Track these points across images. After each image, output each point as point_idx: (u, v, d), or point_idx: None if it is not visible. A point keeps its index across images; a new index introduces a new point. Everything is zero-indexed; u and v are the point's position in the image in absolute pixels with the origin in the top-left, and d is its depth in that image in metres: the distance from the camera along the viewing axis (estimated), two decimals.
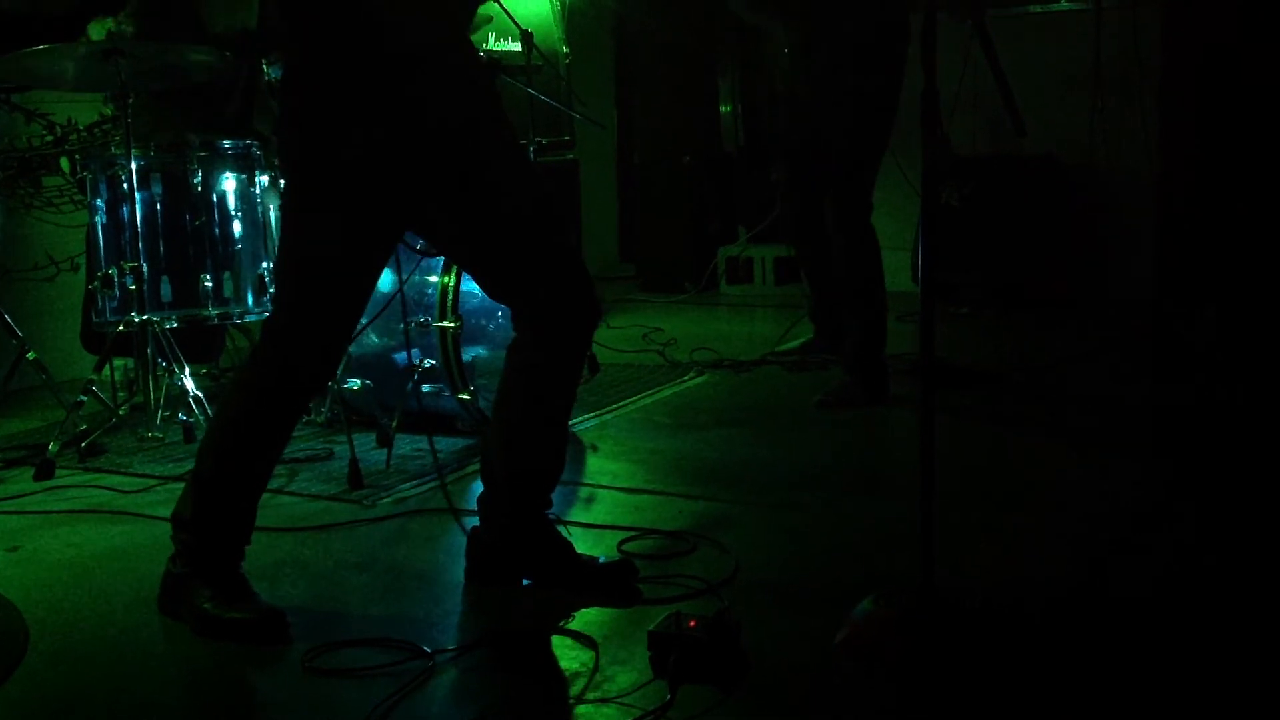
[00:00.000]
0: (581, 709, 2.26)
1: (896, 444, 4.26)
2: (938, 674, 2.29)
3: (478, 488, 2.88)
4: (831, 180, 4.56)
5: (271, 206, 4.32)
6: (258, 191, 4.34)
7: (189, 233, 4.26)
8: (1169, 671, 2.33)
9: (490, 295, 2.82)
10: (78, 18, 4.52)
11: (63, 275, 5.08)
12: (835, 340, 4.88)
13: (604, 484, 3.68)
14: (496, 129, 2.67)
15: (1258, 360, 2.98)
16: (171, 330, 4.16)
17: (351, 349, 4.13)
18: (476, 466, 2.96)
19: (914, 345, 4.88)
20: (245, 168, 4.33)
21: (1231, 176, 2.96)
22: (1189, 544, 3.00)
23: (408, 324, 3.96)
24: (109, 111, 4.78)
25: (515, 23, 4.69)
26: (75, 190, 4.84)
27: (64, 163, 4.80)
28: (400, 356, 4.15)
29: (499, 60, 4.68)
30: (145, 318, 4.08)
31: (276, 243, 3.42)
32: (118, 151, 4.18)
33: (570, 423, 4.29)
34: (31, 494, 3.72)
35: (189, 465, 2.76)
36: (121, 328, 4.09)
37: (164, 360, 4.14)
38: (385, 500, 3.57)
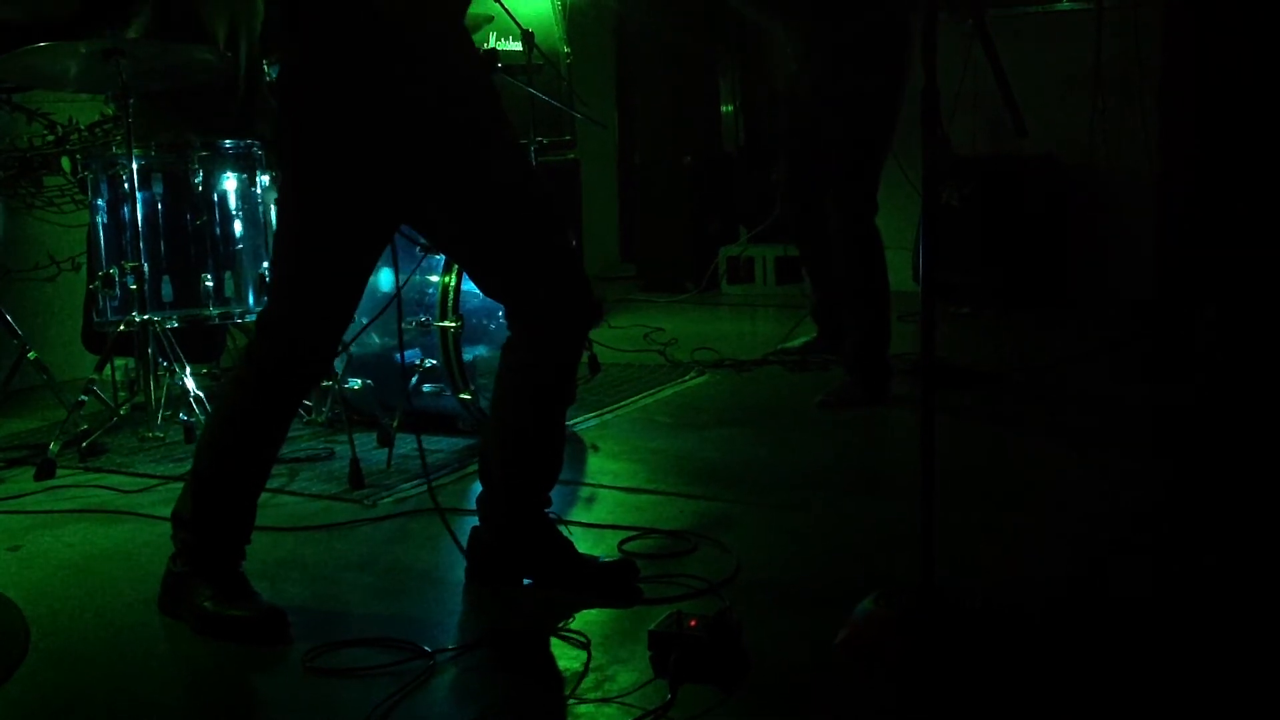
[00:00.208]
0: (582, 708, 2.26)
1: (897, 444, 4.26)
2: (938, 674, 2.29)
3: (478, 488, 2.88)
4: (833, 181, 4.56)
5: (273, 206, 4.33)
6: (259, 191, 4.34)
7: (190, 232, 4.26)
8: (1169, 671, 2.34)
9: (486, 293, 2.82)
10: (78, 24, 4.52)
11: (64, 275, 5.08)
12: (837, 340, 4.88)
13: (605, 483, 3.68)
14: (495, 127, 2.67)
15: (1258, 360, 2.98)
16: (172, 330, 4.16)
17: (353, 349, 4.13)
18: (476, 466, 2.96)
19: (915, 345, 4.88)
20: (246, 167, 4.33)
21: (1231, 176, 2.96)
22: (1189, 544, 3.00)
23: (401, 325, 3.96)
24: (110, 111, 4.78)
25: (516, 22, 4.69)
26: (76, 190, 4.85)
27: (65, 162, 4.80)
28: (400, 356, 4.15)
29: (496, 51, 4.68)
30: (146, 317, 4.08)
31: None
32: (119, 151, 4.18)
33: (571, 422, 4.33)
34: (32, 493, 3.73)
35: (190, 465, 2.76)
36: (122, 327, 4.09)
37: (165, 360, 4.14)
38: (386, 500, 3.57)
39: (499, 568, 2.85)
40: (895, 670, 2.31)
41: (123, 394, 4.44)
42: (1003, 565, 2.91)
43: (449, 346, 4.00)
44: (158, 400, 4.15)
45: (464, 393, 4.04)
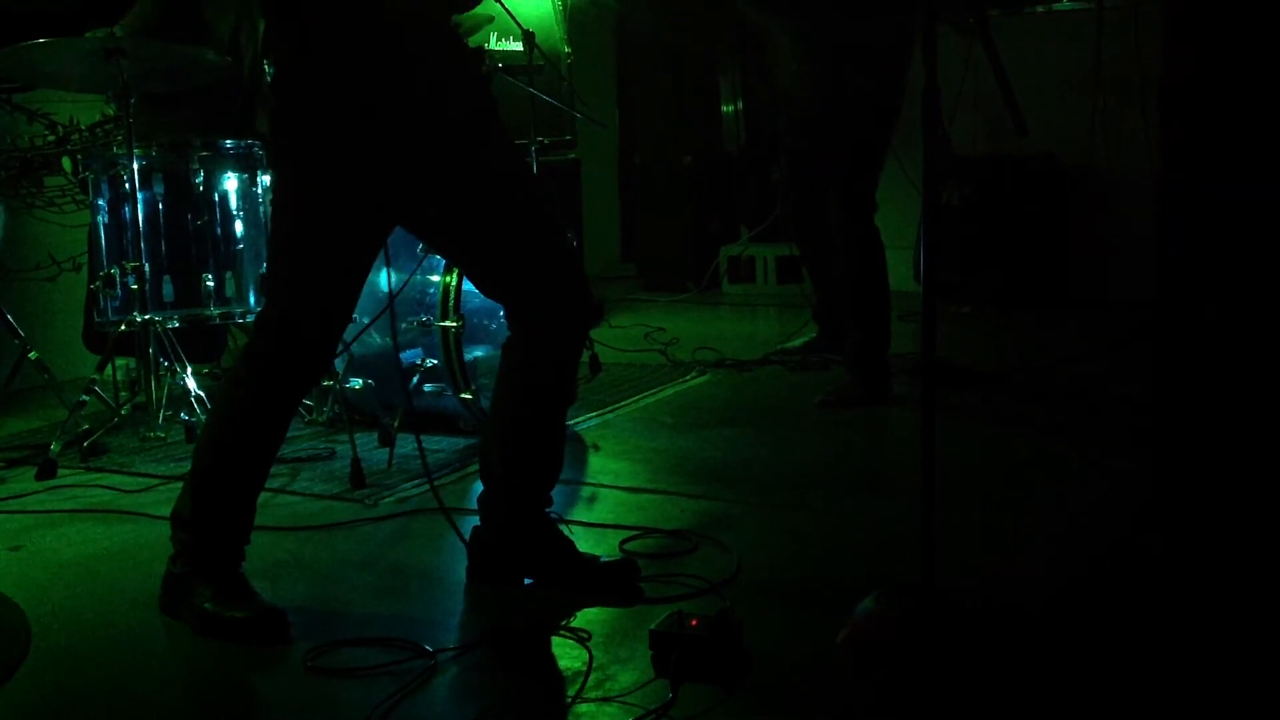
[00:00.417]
0: (583, 708, 2.26)
1: (898, 444, 4.26)
2: (938, 674, 2.30)
3: (479, 487, 2.88)
4: (834, 181, 4.56)
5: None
6: (259, 191, 4.34)
7: (191, 232, 4.26)
8: (1169, 671, 2.34)
9: (485, 294, 2.82)
10: (78, 19, 4.51)
11: (64, 275, 5.08)
12: (838, 340, 4.88)
13: (606, 483, 3.68)
14: (490, 126, 2.67)
15: (1257, 360, 2.97)
16: (173, 330, 4.16)
17: (354, 348, 4.13)
18: (477, 466, 2.97)
19: (915, 345, 4.88)
20: (247, 167, 4.34)
21: (1232, 177, 2.95)
22: (1189, 544, 3.00)
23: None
24: (111, 111, 4.78)
25: (517, 22, 4.69)
26: (77, 190, 4.84)
27: (66, 162, 4.80)
28: (402, 355, 4.15)
29: (484, 47, 4.67)
30: (147, 317, 4.09)
31: None
32: (119, 151, 4.18)
33: (572, 422, 4.33)
34: (34, 493, 3.73)
35: (190, 465, 2.76)
36: (123, 327, 4.10)
37: (166, 360, 4.14)
38: (387, 499, 3.57)
39: (500, 567, 2.85)
40: (896, 670, 2.31)
41: (124, 394, 4.44)
42: (1003, 565, 2.92)
43: (450, 346, 4.01)
44: (159, 400, 4.15)
45: (465, 392, 4.05)
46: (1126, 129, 6.14)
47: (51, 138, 4.82)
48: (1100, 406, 4.37)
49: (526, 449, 2.79)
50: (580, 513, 3.38)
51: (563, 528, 2.98)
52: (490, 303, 2.86)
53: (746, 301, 7.20)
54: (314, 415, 4.30)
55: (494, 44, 5.71)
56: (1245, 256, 2.95)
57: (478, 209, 2.64)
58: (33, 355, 4.38)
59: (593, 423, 4.43)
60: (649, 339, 5.92)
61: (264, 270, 4.30)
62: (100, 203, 4.24)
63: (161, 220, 4.24)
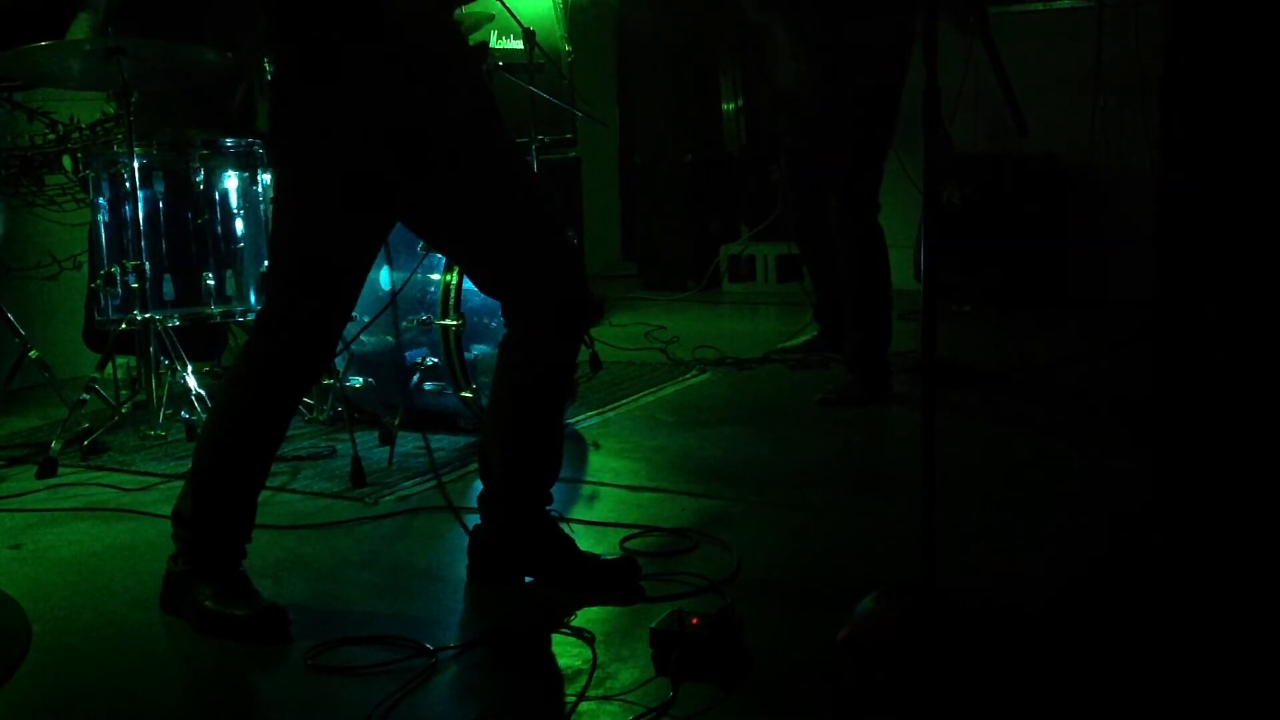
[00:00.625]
0: (583, 706, 2.26)
1: (898, 443, 4.26)
2: (938, 673, 2.30)
3: (479, 486, 2.88)
4: (836, 180, 4.56)
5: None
6: (260, 190, 4.35)
7: (191, 231, 4.26)
8: (1168, 671, 2.34)
9: (484, 291, 2.82)
10: (60, 13, 4.52)
11: (65, 274, 5.09)
12: (838, 339, 4.88)
13: (606, 481, 3.68)
14: (490, 125, 2.67)
15: (1257, 361, 2.97)
16: (174, 328, 4.16)
17: (354, 347, 4.13)
18: (477, 465, 2.97)
19: (916, 344, 4.88)
20: (247, 166, 4.34)
21: (1232, 176, 2.95)
22: (1189, 544, 3.00)
23: (397, 322, 3.97)
24: (111, 110, 4.78)
25: (518, 21, 4.69)
26: (77, 188, 4.85)
27: (66, 161, 4.81)
28: (406, 354, 4.15)
29: (485, 44, 4.67)
30: (147, 316, 4.09)
31: None
32: (120, 150, 4.18)
33: (573, 420, 4.33)
34: (34, 492, 3.73)
35: (191, 463, 2.77)
36: (124, 326, 4.10)
37: (166, 358, 4.14)
38: (388, 498, 3.57)
39: (500, 566, 2.86)
40: (896, 669, 2.31)
41: (124, 392, 4.45)
42: (1003, 565, 2.92)
43: (450, 344, 4.01)
44: (159, 399, 4.16)
45: (465, 391, 4.05)
46: (1126, 129, 6.14)
47: (52, 136, 4.82)
48: (1100, 406, 4.37)
49: (526, 447, 2.79)
50: (580, 511, 3.38)
51: (563, 526, 2.98)
52: (490, 301, 2.86)
53: (747, 300, 7.20)
54: (314, 414, 4.30)
55: (495, 42, 5.71)
56: (1245, 256, 2.95)
57: (477, 207, 2.64)
58: (33, 354, 4.38)
59: (593, 421, 4.43)
60: (649, 337, 5.92)
61: (264, 269, 4.31)
62: (101, 201, 4.24)
63: (162, 219, 4.24)
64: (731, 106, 7.89)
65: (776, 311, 6.57)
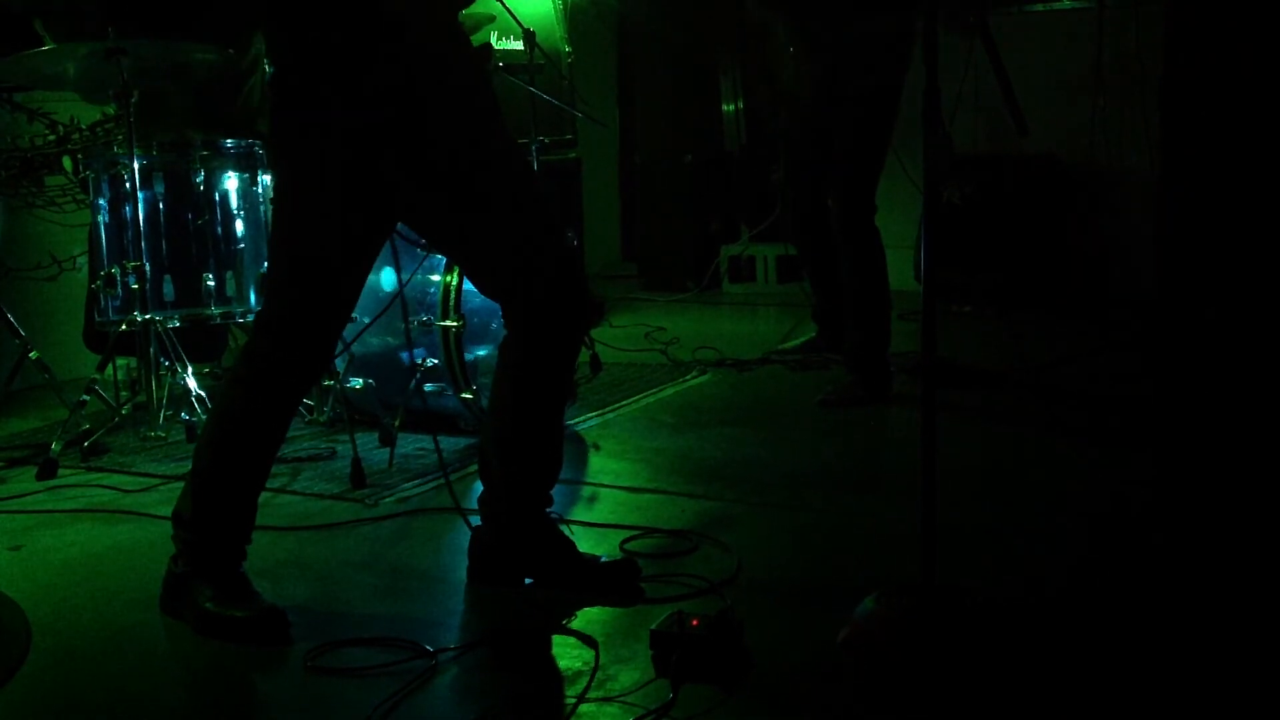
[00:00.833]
0: (583, 708, 2.26)
1: (898, 443, 4.26)
2: (938, 674, 2.30)
3: (479, 487, 2.88)
4: (835, 181, 4.56)
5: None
6: (260, 190, 4.34)
7: (191, 232, 4.26)
8: (1168, 670, 2.34)
9: (483, 292, 2.82)
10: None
11: (65, 275, 5.08)
12: (838, 340, 4.88)
13: (606, 483, 3.68)
14: (491, 125, 2.67)
15: (1258, 362, 2.97)
16: (174, 329, 4.16)
17: (355, 348, 4.13)
18: (477, 466, 2.97)
19: (916, 344, 4.88)
20: (248, 167, 4.34)
21: (1232, 177, 2.95)
22: (1189, 543, 3.00)
23: (408, 321, 3.96)
24: (111, 110, 4.78)
25: (518, 21, 4.69)
26: (77, 189, 4.84)
27: (66, 162, 4.80)
28: (404, 355, 4.16)
29: (490, 45, 4.67)
30: (148, 317, 4.09)
31: None
32: (120, 151, 4.18)
33: (573, 421, 4.33)
34: (34, 493, 3.73)
35: (191, 463, 2.77)
36: (124, 327, 4.10)
37: (166, 359, 4.14)
38: (388, 499, 3.57)
39: (500, 567, 2.86)
40: (896, 669, 2.31)
41: (124, 393, 4.44)
42: (1003, 565, 2.92)
43: (450, 346, 4.01)
44: (159, 400, 4.15)
45: (465, 392, 4.05)
46: (1127, 129, 6.14)
47: (52, 137, 4.82)
48: (1100, 406, 4.37)
49: (526, 448, 2.79)
50: (581, 512, 3.38)
51: (563, 527, 2.98)
52: (490, 302, 2.86)
53: (747, 301, 7.19)
54: (314, 415, 4.30)
55: (495, 43, 5.71)
56: (1245, 257, 2.95)
57: (477, 208, 2.64)
58: (33, 355, 4.37)
59: (593, 422, 4.43)
60: (649, 338, 5.92)
61: (264, 270, 4.30)
62: (101, 202, 4.24)
63: (162, 220, 4.24)
64: (731, 107, 7.89)
65: (776, 312, 6.56)
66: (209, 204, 4.28)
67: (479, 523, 2.89)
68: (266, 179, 4.34)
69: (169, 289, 4.21)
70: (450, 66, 2.63)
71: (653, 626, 2.39)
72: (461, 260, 3.08)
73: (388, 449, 3.96)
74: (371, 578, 2.99)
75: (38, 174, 4.88)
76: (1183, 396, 3.11)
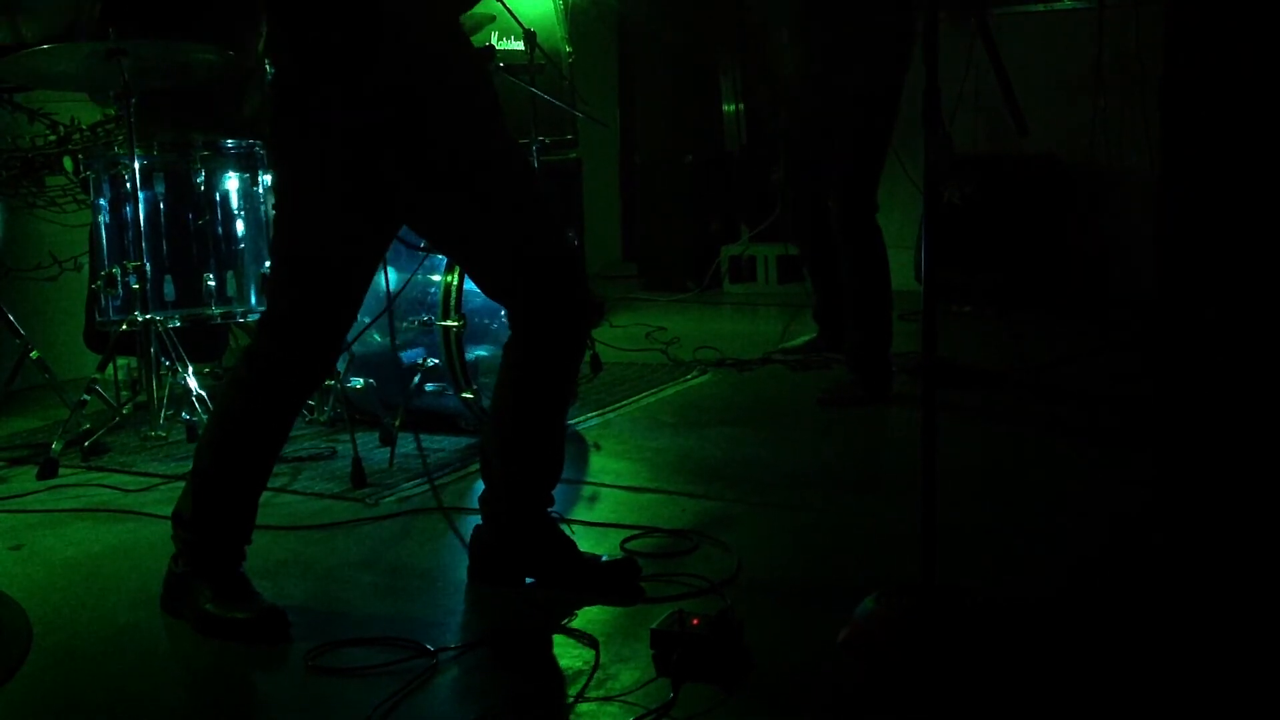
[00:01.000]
0: (584, 707, 2.26)
1: (898, 443, 4.26)
2: (939, 673, 2.30)
3: (480, 487, 2.88)
4: (835, 180, 4.56)
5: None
6: (261, 190, 4.35)
7: (192, 232, 4.26)
8: (1169, 670, 2.34)
9: (486, 293, 2.82)
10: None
11: (66, 275, 5.08)
12: (839, 339, 4.88)
13: (607, 482, 3.68)
14: (492, 126, 2.66)
15: (1258, 362, 2.98)
16: (174, 329, 4.16)
17: (355, 347, 4.13)
18: (478, 466, 2.97)
19: (916, 344, 4.88)
20: (248, 167, 4.34)
21: (1232, 177, 2.96)
22: (1189, 544, 3.01)
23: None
24: (112, 111, 4.78)
25: (518, 22, 4.69)
26: (78, 190, 4.85)
27: (67, 162, 4.80)
28: (404, 355, 4.16)
29: (492, 47, 4.67)
30: (148, 317, 4.09)
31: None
32: (120, 151, 4.18)
33: (573, 421, 4.33)
34: (35, 493, 3.73)
35: (192, 464, 2.77)
36: (125, 327, 4.10)
37: (167, 359, 4.14)
38: (388, 499, 3.57)
39: (501, 567, 2.86)
40: (897, 669, 2.31)
41: (125, 393, 4.45)
42: (1003, 565, 2.92)
43: (451, 346, 4.01)
44: (160, 399, 4.16)
45: (466, 392, 4.05)
46: (1127, 129, 6.14)
47: (53, 137, 4.82)
48: (1100, 406, 4.37)
49: (527, 448, 2.79)
50: (581, 512, 3.38)
51: (564, 527, 2.98)
52: (491, 302, 2.87)
53: (747, 301, 7.19)
54: (315, 415, 4.31)
55: (496, 43, 5.71)
56: (1245, 257, 2.96)
57: (478, 208, 2.64)
58: (34, 355, 4.38)
59: (593, 422, 4.43)
60: (650, 338, 5.92)
61: (265, 269, 4.31)
62: (101, 202, 4.25)
63: (163, 220, 4.24)
64: (732, 107, 7.89)
65: (777, 312, 6.56)
66: (210, 204, 4.28)
67: (478, 523, 2.89)
68: (267, 179, 4.34)
69: (170, 289, 4.22)
70: (450, 66, 2.63)
71: (653, 626, 2.40)
72: (463, 260, 3.08)
73: (388, 449, 3.96)
74: (372, 577, 2.99)
75: (38, 174, 4.89)
76: (1183, 396, 3.11)
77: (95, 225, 4.33)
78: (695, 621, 2.36)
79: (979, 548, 2.99)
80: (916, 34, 4.41)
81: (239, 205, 4.33)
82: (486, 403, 4.01)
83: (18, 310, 4.52)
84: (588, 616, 2.65)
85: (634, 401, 4.71)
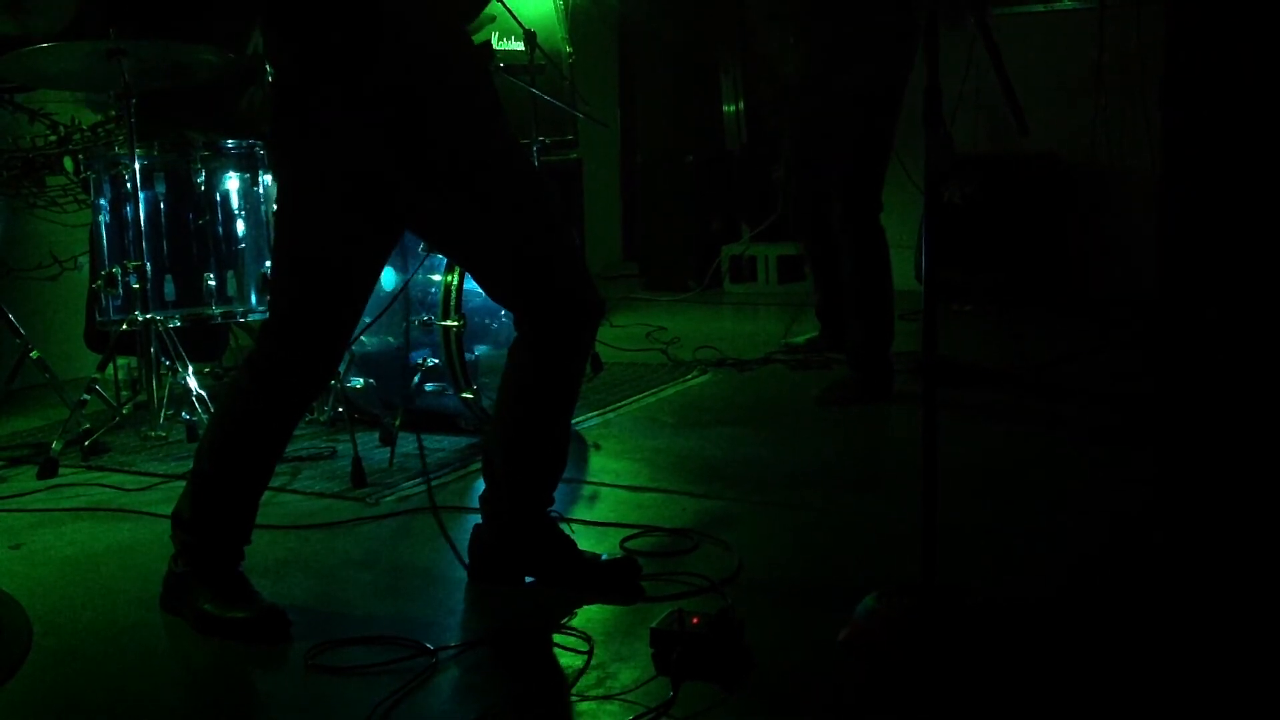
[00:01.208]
0: (584, 706, 2.26)
1: (899, 442, 4.26)
2: (939, 673, 2.30)
3: (480, 486, 2.88)
4: (837, 180, 4.56)
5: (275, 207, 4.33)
6: (261, 190, 4.35)
7: (192, 231, 4.26)
8: (1169, 669, 2.34)
9: (490, 295, 2.82)
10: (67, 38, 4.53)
11: (66, 274, 5.09)
12: (840, 338, 4.88)
13: (607, 482, 3.68)
14: (494, 127, 2.66)
15: (1258, 363, 2.98)
16: (175, 329, 4.16)
17: (354, 347, 4.13)
18: (479, 465, 2.97)
19: (917, 343, 4.88)
20: (248, 167, 4.34)
21: (1233, 177, 2.96)
22: (1190, 543, 3.00)
23: (407, 314, 3.96)
24: (112, 111, 4.78)
25: (519, 22, 4.69)
26: (79, 189, 4.85)
27: (67, 162, 4.81)
28: (411, 355, 4.16)
29: (490, 44, 4.67)
30: (149, 316, 4.09)
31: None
32: (121, 151, 4.18)
33: (574, 421, 4.31)
34: (35, 492, 3.73)
35: (192, 464, 2.77)
36: (125, 326, 4.10)
37: (167, 359, 4.14)
38: (388, 498, 3.57)
39: (501, 566, 2.86)
40: (897, 668, 2.31)
41: (125, 393, 4.45)
42: (1003, 564, 2.92)
43: (451, 345, 4.01)
44: (160, 399, 4.16)
45: (466, 392, 4.05)
46: (1128, 129, 6.14)
47: (53, 137, 4.82)
48: (1101, 405, 4.37)
49: (531, 449, 2.79)
50: (581, 511, 3.38)
51: (564, 526, 2.98)
52: (490, 302, 2.86)
53: (748, 301, 7.19)
54: (315, 414, 4.31)
55: (496, 43, 5.70)
56: (1246, 257, 2.95)
57: (479, 209, 2.63)
58: (34, 354, 4.38)
59: (594, 422, 4.43)
60: (650, 338, 5.92)
61: (266, 269, 4.31)
62: (102, 202, 4.25)
63: (163, 219, 4.24)
64: (732, 106, 7.89)
65: (777, 312, 6.56)
66: (210, 204, 4.28)
67: (479, 522, 2.89)
68: (267, 179, 4.34)
69: (170, 289, 4.22)
70: (450, 66, 2.63)
71: (653, 625, 2.40)
72: (464, 261, 3.07)
73: (388, 448, 3.96)
74: (372, 576, 2.99)
75: (39, 174, 4.89)
76: (1183, 395, 3.11)
77: (95, 225, 4.33)
78: (695, 620, 2.36)
79: (979, 548, 2.99)
80: (917, 33, 4.41)
81: (239, 205, 4.33)
82: (486, 402, 4.01)
83: (18, 310, 4.52)
84: (587, 615, 2.65)
85: (634, 401, 4.71)
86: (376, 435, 4.11)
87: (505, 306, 2.83)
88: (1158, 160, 3.12)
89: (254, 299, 4.33)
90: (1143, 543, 3.03)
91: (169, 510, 2.78)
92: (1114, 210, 6.43)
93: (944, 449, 2.44)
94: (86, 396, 4.09)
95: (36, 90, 4.84)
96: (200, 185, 4.25)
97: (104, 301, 4.23)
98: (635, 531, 3.17)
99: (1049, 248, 6.48)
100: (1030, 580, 2.82)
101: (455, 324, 3.99)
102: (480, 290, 2.86)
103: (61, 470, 3.89)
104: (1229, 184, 2.98)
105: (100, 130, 4.82)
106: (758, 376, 5.11)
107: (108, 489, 3.74)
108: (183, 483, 2.82)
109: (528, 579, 2.84)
